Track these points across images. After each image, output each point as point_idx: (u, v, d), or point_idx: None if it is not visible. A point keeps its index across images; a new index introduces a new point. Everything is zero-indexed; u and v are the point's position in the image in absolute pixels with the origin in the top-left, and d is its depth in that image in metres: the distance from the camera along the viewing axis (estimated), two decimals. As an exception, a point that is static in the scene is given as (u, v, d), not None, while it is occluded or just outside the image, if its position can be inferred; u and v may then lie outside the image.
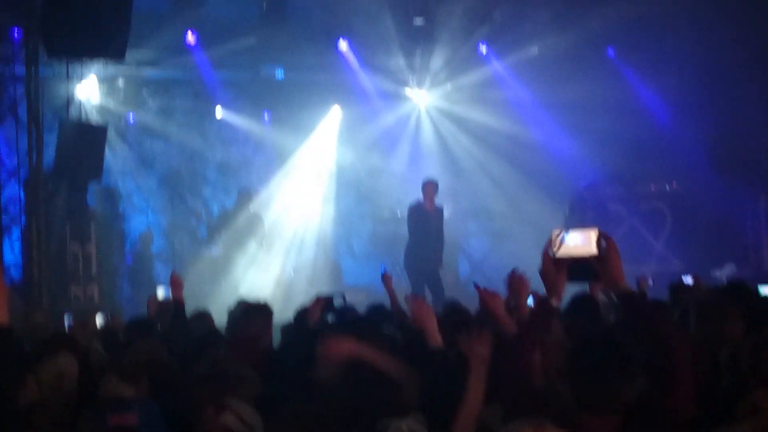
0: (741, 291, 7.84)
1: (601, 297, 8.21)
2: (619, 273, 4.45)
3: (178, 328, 8.31)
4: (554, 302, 4.58)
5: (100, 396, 5.78)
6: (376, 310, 8.61)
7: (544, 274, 4.56)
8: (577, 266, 4.50)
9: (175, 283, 8.74)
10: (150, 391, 5.95)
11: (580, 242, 4.51)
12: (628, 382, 4.14)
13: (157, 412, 5.24)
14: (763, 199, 18.96)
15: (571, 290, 6.46)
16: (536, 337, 4.65)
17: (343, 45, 19.10)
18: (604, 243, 4.47)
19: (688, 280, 10.21)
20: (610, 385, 4.14)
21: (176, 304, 8.57)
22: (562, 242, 4.53)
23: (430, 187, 15.95)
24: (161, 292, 10.30)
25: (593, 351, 4.29)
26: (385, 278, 10.15)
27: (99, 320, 9.53)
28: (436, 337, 5.64)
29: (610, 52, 20.10)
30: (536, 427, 3.78)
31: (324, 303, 8.06)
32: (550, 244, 4.55)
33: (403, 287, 14.51)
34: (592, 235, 4.49)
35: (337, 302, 8.12)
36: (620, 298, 4.49)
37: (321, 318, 7.84)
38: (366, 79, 19.84)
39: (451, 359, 5.52)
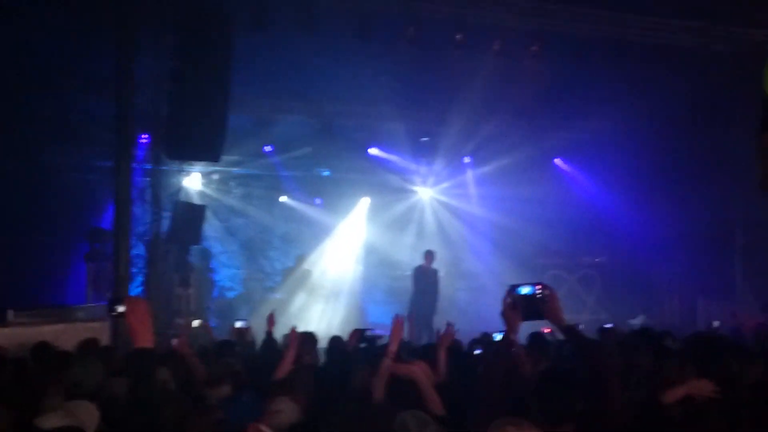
0: (649, 334, 7.90)
1: (549, 336, 8.28)
2: (560, 312, 4.50)
3: (268, 348, 8.29)
4: (512, 336, 4.61)
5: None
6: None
7: (504, 315, 4.58)
8: (529, 308, 4.53)
9: (270, 320, 8.72)
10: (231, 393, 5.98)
11: (528, 292, 4.56)
12: (578, 400, 4.17)
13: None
14: (665, 270, 18.97)
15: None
16: (503, 360, 4.65)
17: (373, 151, 19.33)
18: (547, 291, 4.54)
19: (609, 325, 10.28)
20: (567, 402, 4.16)
21: (268, 334, 8.59)
22: (516, 292, 4.58)
23: (429, 255, 16.06)
24: (239, 324, 10.26)
25: (554, 379, 4.34)
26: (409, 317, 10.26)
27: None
28: (394, 345, 5.73)
29: (556, 162, 20.31)
30: (516, 426, 3.63)
31: (359, 334, 8.13)
32: (507, 294, 4.59)
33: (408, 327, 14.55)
34: (538, 287, 4.56)
35: (368, 334, 8.19)
36: (562, 330, 4.52)
37: (356, 345, 7.90)
38: (387, 178, 20.03)
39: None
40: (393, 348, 5.71)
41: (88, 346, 8.06)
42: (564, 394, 4.15)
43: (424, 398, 4.99)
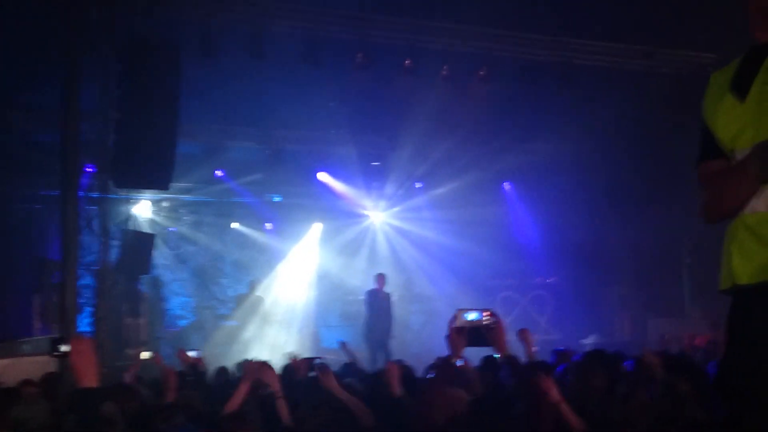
0: (601, 355, 7.91)
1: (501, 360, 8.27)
2: (503, 340, 4.51)
3: (200, 383, 8.21)
4: (455, 360, 4.59)
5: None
6: (348, 366, 8.65)
7: (449, 339, 4.58)
8: (474, 335, 4.53)
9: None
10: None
11: (475, 317, 4.55)
12: (512, 427, 4.16)
13: None
14: (616, 290, 19.16)
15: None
16: (442, 383, 4.62)
17: (321, 176, 19.26)
18: (494, 319, 4.53)
19: (562, 347, 10.31)
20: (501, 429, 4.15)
21: (193, 367, 8.52)
22: (462, 317, 4.58)
23: (381, 278, 15.98)
24: (191, 354, 10.13)
25: (490, 405, 4.33)
26: (343, 346, 10.18)
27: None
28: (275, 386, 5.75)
29: (505, 185, 20.45)
30: None
31: (308, 363, 8.05)
32: (454, 318, 4.59)
33: (362, 350, 14.48)
34: (485, 313, 4.55)
35: (317, 362, 8.11)
36: (503, 358, 4.53)
37: (305, 374, 7.82)
38: (339, 203, 19.97)
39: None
40: (275, 388, 5.70)
41: (48, 382, 7.85)
42: (498, 422, 4.14)
43: None
